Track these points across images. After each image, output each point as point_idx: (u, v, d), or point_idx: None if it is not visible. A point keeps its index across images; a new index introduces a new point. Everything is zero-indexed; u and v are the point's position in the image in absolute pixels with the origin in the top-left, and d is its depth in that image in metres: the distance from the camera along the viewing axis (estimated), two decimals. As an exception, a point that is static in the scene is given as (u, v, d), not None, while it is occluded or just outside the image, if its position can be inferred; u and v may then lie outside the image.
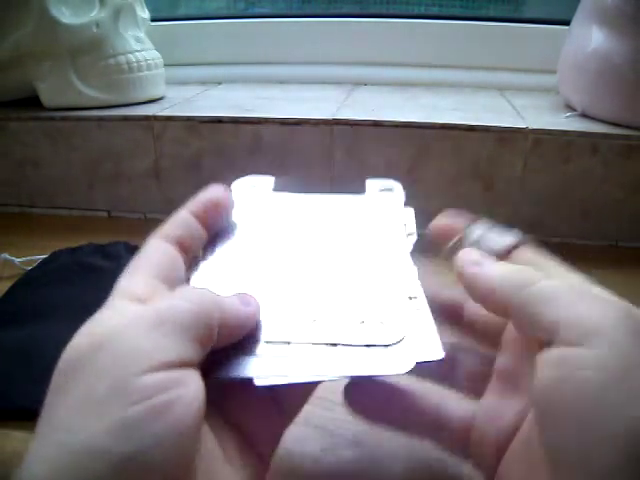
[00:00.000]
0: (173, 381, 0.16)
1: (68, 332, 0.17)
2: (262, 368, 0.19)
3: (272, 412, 0.21)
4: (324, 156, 0.49)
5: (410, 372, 0.19)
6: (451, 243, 0.22)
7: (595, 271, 0.19)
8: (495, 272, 0.19)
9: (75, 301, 0.36)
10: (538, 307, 0.17)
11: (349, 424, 0.28)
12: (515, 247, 0.21)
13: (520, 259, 0.21)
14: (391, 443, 0.26)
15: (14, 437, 0.27)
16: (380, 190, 0.28)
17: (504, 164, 0.47)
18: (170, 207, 0.23)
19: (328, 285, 0.22)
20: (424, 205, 0.28)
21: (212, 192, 0.24)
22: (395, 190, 0.28)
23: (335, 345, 0.19)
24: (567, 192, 0.47)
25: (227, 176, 0.27)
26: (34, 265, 0.41)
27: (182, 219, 0.22)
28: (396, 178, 0.27)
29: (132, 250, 0.42)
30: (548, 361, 0.16)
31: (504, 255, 0.21)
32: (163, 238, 0.21)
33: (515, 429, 0.19)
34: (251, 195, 0.27)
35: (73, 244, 0.43)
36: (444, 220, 0.24)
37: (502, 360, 0.21)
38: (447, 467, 0.24)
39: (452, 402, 0.21)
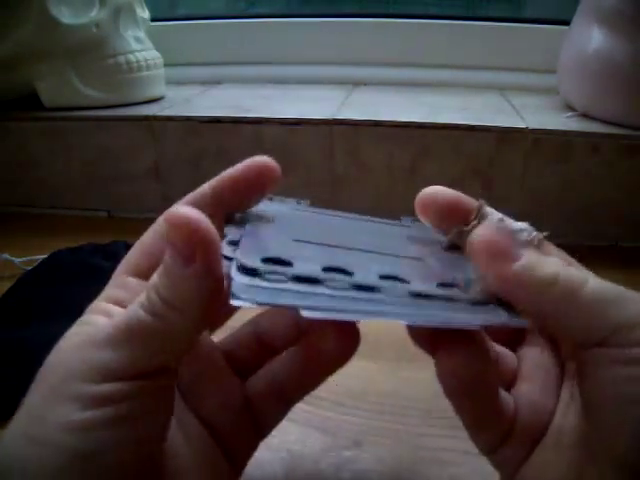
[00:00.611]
0: (129, 393, 0.15)
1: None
2: (317, 300, 0.16)
3: (249, 423, 0.21)
4: (324, 156, 0.49)
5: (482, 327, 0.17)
6: (469, 226, 0.19)
7: (595, 271, 0.18)
8: (546, 271, 0.17)
9: (75, 301, 0.36)
10: (590, 309, 0.16)
11: (349, 424, 0.28)
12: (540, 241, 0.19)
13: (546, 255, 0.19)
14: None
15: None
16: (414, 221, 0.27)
17: (504, 164, 0.47)
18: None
19: (396, 253, 0.20)
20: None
21: (257, 160, 0.22)
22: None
23: (417, 296, 0.17)
24: (567, 192, 0.47)
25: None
26: (34, 265, 0.41)
27: (194, 196, 0.21)
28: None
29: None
30: (612, 361, 0.16)
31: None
32: (159, 224, 0.21)
33: (550, 421, 0.19)
34: (283, 201, 0.26)
35: (73, 244, 0.43)
36: (447, 195, 0.20)
37: (531, 354, 0.21)
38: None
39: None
